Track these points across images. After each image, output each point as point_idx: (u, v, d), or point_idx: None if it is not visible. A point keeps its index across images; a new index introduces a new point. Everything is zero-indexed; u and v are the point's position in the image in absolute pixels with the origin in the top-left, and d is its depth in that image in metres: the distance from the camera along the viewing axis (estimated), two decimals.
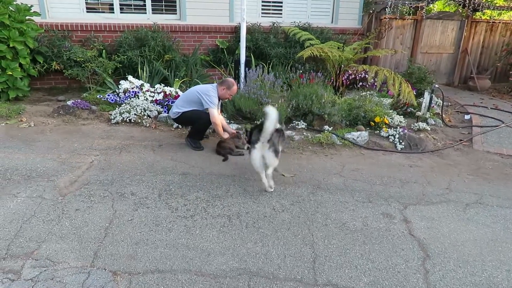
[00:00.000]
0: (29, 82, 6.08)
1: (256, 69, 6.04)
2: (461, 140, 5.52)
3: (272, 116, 3.25)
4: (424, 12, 9.00)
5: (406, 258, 2.78)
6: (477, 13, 9.70)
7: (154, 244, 2.79)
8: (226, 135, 4.60)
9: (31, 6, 5.90)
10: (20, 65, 5.69)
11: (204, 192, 3.59)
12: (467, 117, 6.79)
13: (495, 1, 10.70)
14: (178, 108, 4.65)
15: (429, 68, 8.60)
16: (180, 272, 2.52)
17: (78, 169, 3.94)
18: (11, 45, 5.35)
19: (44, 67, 6.23)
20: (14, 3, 5.59)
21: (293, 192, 3.69)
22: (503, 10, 10.08)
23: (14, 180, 3.61)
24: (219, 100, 4.62)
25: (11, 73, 5.43)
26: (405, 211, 3.44)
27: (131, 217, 3.11)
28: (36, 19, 6.08)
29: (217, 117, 4.48)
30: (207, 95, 4.43)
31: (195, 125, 4.63)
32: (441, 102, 6.65)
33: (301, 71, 6.81)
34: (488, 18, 10.05)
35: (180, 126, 5.25)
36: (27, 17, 5.77)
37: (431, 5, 10.07)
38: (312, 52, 5.66)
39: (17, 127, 5.02)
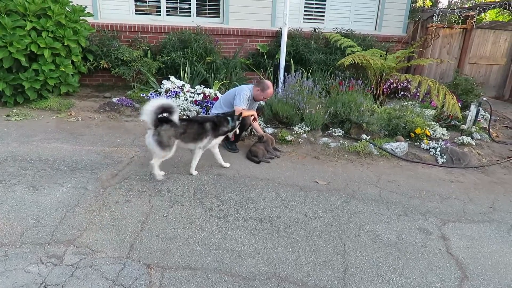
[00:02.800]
0: (79, 79, 6.44)
1: (295, 74, 6.04)
2: (509, 157, 5.22)
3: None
4: (474, 21, 8.61)
5: (442, 277, 2.67)
6: None
7: (187, 241, 2.86)
8: (250, 112, 4.58)
9: (85, 7, 6.26)
10: (72, 62, 6.03)
11: (237, 193, 3.64)
12: None
13: None
14: (217, 109, 4.75)
15: (477, 80, 8.21)
16: (210, 270, 2.57)
17: (120, 163, 4.12)
18: (65, 43, 5.69)
19: (94, 65, 6.58)
20: (70, 4, 5.95)
21: (326, 199, 3.65)
22: None
23: (61, 170, 3.83)
24: (254, 100, 4.68)
25: (63, 69, 5.78)
26: (443, 228, 3.31)
27: (167, 213, 3.21)
28: (89, 19, 6.44)
29: (241, 111, 4.44)
30: (240, 94, 4.51)
31: None
32: (489, 116, 6.33)
33: (340, 78, 6.73)
34: None
35: None
36: (81, 17, 6.12)
37: (482, 14, 9.61)
38: (353, 60, 5.57)
39: (66, 120, 5.34)
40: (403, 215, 3.49)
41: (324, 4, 8.46)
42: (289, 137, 5.03)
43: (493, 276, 2.71)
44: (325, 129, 5.44)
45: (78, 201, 3.27)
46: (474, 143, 5.41)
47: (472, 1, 10.25)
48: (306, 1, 8.35)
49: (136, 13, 7.67)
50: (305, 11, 8.46)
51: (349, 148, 4.97)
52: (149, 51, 7.04)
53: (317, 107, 5.23)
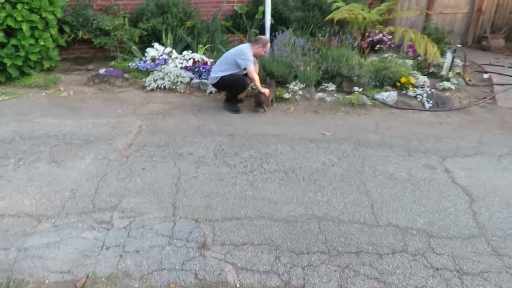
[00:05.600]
0: (58, 52, 6.16)
1: (281, 33, 6.10)
2: (484, 98, 5.70)
3: None
4: None
5: (454, 202, 3.05)
6: None
7: (224, 196, 3.05)
8: (266, 90, 4.72)
9: None
10: (50, 35, 5.74)
11: (255, 150, 3.82)
12: (486, 76, 6.93)
13: None
14: (216, 73, 4.79)
15: (444, 29, 8.62)
16: (255, 218, 2.79)
17: (130, 133, 4.15)
18: (42, 15, 5.39)
19: (71, 37, 6.29)
20: None
21: (337, 148, 3.93)
22: None
23: (76, 144, 3.83)
24: (254, 57, 4.79)
25: (43, 43, 5.50)
26: (444, 163, 3.70)
27: (196, 173, 3.36)
28: None
29: (255, 73, 4.63)
30: (242, 54, 4.61)
31: (233, 88, 4.79)
32: (460, 62, 6.77)
33: (329, 34, 6.86)
34: None
35: (213, 91, 5.40)
36: None
37: None
38: (342, 14, 5.73)
39: (58, 96, 5.18)
40: (407, 155, 3.84)
41: None
42: (286, 95, 5.20)
43: (495, 198, 3.13)
44: (318, 85, 5.64)
45: (105, 171, 3.34)
46: (453, 87, 5.84)
47: None
48: None
49: None
50: None
51: (343, 101, 5.23)
52: (126, 18, 6.78)
53: (311, 64, 5.39)
